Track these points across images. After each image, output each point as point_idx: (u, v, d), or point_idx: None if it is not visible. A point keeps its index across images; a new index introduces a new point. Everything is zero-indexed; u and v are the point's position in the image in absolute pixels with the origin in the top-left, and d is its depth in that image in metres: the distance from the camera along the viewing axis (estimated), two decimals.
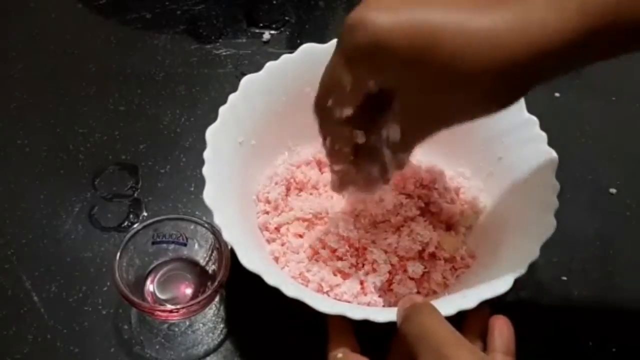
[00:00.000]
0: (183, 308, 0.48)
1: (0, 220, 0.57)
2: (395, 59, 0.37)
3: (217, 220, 0.45)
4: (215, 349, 0.51)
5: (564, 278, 0.55)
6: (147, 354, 0.51)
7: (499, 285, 0.43)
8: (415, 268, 0.49)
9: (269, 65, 0.54)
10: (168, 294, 0.51)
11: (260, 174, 0.55)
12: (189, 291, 0.51)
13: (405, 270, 0.49)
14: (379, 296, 0.49)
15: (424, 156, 0.55)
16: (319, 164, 0.56)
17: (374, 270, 0.49)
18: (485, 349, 0.43)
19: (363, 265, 0.50)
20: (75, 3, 0.72)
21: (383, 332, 0.43)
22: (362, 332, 0.44)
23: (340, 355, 0.42)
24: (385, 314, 0.42)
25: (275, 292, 0.44)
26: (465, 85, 0.37)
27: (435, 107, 0.39)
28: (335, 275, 0.49)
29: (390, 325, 0.42)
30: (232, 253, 0.46)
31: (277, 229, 0.52)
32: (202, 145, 0.50)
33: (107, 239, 0.56)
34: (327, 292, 0.48)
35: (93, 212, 0.58)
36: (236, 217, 0.48)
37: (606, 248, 0.56)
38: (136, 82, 0.66)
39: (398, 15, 0.36)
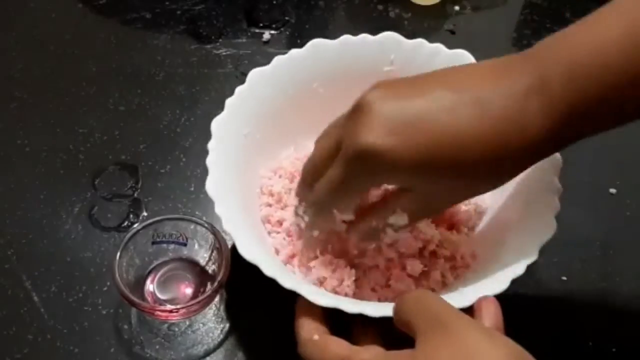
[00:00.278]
0: (183, 308, 0.48)
1: (0, 220, 0.57)
2: (404, 171, 0.40)
3: (218, 210, 0.45)
4: (215, 349, 0.51)
5: (564, 278, 0.55)
6: (147, 354, 0.51)
7: (496, 285, 0.43)
8: (415, 266, 0.49)
9: (277, 59, 0.54)
10: (168, 294, 0.51)
11: (265, 167, 0.55)
12: (189, 291, 0.51)
13: (404, 268, 0.49)
14: (375, 291, 0.49)
15: None
16: None
17: (373, 266, 0.49)
18: None
19: (361, 260, 0.50)
20: (75, 3, 0.72)
21: (351, 318, 0.43)
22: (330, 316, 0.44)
23: (316, 337, 0.42)
24: (380, 309, 0.42)
25: (275, 292, 0.44)
26: (469, 174, 0.41)
27: (442, 193, 0.43)
28: (333, 270, 0.49)
29: (384, 319, 0.42)
30: (233, 253, 0.46)
31: (280, 222, 0.52)
32: (203, 145, 0.49)
33: (107, 239, 0.56)
34: (324, 285, 0.48)
35: (93, 212, 0.58)
36: (238, 207, 0.48)
37: (606, 248, 0.56)
38: (136, 82, 0.66)
39: (403, 136, 0.39)
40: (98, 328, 0.51)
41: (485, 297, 0.41)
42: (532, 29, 0.72)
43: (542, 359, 0.45)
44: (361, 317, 0.42)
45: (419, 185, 0.42)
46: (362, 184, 0.43)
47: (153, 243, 0.51)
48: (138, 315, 0.52)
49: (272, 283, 0.43)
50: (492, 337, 0.35)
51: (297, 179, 0.54)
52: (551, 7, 0.73)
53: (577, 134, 0.41)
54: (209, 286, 0.49)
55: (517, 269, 0.44)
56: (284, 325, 0.44)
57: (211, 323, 0.52)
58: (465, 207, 0.53)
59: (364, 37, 0.55)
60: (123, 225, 0.57)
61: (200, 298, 0.48)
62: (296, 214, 0.49)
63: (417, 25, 0.71)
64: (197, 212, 0.57)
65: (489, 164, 0.40)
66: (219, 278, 0.48)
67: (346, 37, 0.55)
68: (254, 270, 0.44)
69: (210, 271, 0.51)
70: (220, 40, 0.70)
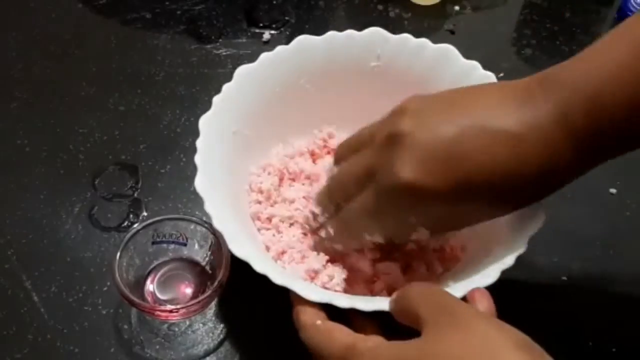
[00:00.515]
0: (183, 308, 0.48)
1: (0, 220, 0.57)
2: (439, 205, 0.41)
3: (208, 208, 0.46)
4: (215, 349, 0.51)
5: (564, 278, 0.55)
6: (147, 354, 0.51)
7: (485, 277, 0.44)
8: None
9: (264, 56, 0.54)
10: (168, 294, 0.51)
11: (254, 164, 0.55)
12: (189, 291, 0.51)
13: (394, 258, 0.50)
14: (366, 286, 0.49)
15: None
16: (313, 155, 0.56)
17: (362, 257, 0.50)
18: None
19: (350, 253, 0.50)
20: (75, 3, 0.72)
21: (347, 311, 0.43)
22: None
23: (319, 322, 0.42)
24: (372, 303, 0.43)
25: (275, 292, 0.44)
26: (499, 204, 0.43)
27: (469, 216, 0.44)
28: (324, 264, 0.49)
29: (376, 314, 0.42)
30: (232, 253, 0.46)
31: (269, 219, 0.53)
32: None
33: (107, 239, 0.56)
34: (315, 280, 0.48)
35: (93, 212, 0.58)
36: (227, 205, 0.48)
37: (606, 248, 0.56)
38: (136, 82, 0.66)
39: (439, 172, 0.40)
40: (98, 328, 0.51)
41: (477, 288, 0.42)
42: (532, 29, 0.72)
43: None
44: (357, 311, 0.43)
45: (449, 212, 0.43)
46: (396, 214, 0.43)
47: (153, 243, 0.51)
48: (138, 315, 0.52)
49: (272, 283, 0.43)
50: (500, 326, 0.36)
51: (286, 176, 0.55)
52: (551, 7, 0.73)
53: (602, 159, 0.42)
54: (209, 286, 0.49)
55: (507, 260, 0.44)
56: (284, 325, 0.44)
57: (211, 323, 0.52)
58: None
59: (350, 32, 0.55)
60: (123, 225, 0.57)
61: (200, 298, 0.48)
62: (314, 217, 0.49)
63: (417, 25, 0.71)
64: (197, 212, 0.57)
65: (521, 195, 0.42)
66: (219, 278, 0.48)
67: (332, 34, 0.55)
68: (253, 270, 0.44)
69: (210, 271, 0.51)
70: (220, 40, 0.70)
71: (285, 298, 0.44)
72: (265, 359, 0.51)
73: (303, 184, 0.54)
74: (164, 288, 0.52)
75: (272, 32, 0.70)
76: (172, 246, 0.52)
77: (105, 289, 0.53)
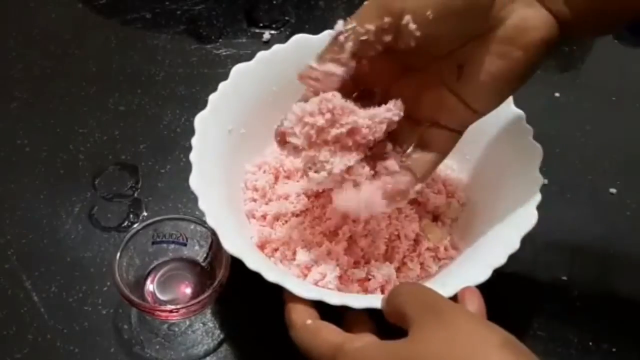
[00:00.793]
0: (183, 308, 0.48)
1: (0, 220, 0.57)
2: None
3: (202, 205, 0.46)
4: (215, 349, 0.51)
5: (564, 278, 0.55)
6: (147, 354, 0.51)
7: (478, 275, 0.44)
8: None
9: (260, 54, 0.54)
10: (168, 294, 0.51)
11: (249, 162, 0.55)
12: (189, 291, 0.51)
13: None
14: (358, 284, 0.49)
15: None
16: None
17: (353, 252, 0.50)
18: None
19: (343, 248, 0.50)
20: (75, 3, 0.72)
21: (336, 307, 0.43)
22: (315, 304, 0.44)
23: (309, 321, 0.42)
24: (363, 301, 0.43)
25: (275, 292, 0.44)
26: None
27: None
28: (316, 261, 0.49)
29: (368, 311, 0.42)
30: None
31: (264, 216, 0.53)
32: None
33: (107, 239, 0.56)
34: (307, 277, 0.49)
35: (93, 212, 0.58)
36: (222, 203, 0.49)
37: (606, 248, 0.56)
38: (136, 82, 0.66)
39: None
40: (98, 328, 0.51)
41: (468, 287, 0.42)
42: None
43: (542, 359, 0.45)
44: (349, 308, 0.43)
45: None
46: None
47: (153, 243, 0.51)
48: (138, 315, 0.52)
49: (267, 281, 0.43)
50: (487, 325, 0.36)
51: (282, 174, 0.55)
52: None
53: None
54: (209, 286, 0.49)
55: (499, 259, 0.45)
56: (283, 325, 0.44)
57: (211, 323, 0.52)
58: (448, 198, 0.54)
59: None
60: (123, 225, 0.57)
61: (200, 298, 0.48)
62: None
63: None
64: (197, 212, 0.56)
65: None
66: (219, 278, 0.48)
67: (329, 32, 0.54)
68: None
69: (210, 271, 0.51)
70: (220, 40, 0.70)
71: (280, 296, 0.44)
72: (265, 358, 0.51)
73: (298, 182, 0.55)
74: (164, 288, 0.52)
75: (272, 32, 0.70)
76: (172, 246, 0.52)
77: (105, 289, 0.53)
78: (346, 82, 0.43)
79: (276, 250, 0.51)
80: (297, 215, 0.53)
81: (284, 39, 0.55)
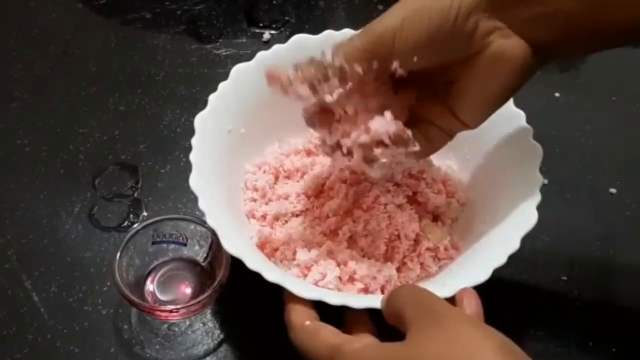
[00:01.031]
0: (183, 308, 0.48)
1: (0, 220, 0.57)
2: None
3: (202, 205, 0.46)
4: (215, 349, 0.51)
5: (564, 278, 0.55)
6: (147, 354, 0.51)
7: (478, 275, 0.44)
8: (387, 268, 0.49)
9: (261, 54, 0.54)
10: (168, 294, 0.51)
11: (249, 162, 0.55)
12: (189, 291, 0.51)
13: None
14: (357, 283, 0.49)
15: None
16: (308, 153, 0.56)
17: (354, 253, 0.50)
18: None
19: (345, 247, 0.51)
20: (75, 3, 0.72)
21: (336, 308, 0.43)
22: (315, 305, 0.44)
23: (308, 322, 0.42)
24: (363, 301, 0.43)
25: (275, 292, 0.44)
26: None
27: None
28: (316, 261, 0.49)
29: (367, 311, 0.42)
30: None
31: (264, 216, 0.53)
32: None
33: (107, 239, 0.56)
34: (307, 277, 0.49)
35: (93, 212, 0.58)
36: (222, 203, 0.49)
37: (606, 248, 0.56)
38: (136, 82, 0.66)
39: None
40: (98, 328, 0.51)
41: (466, 289, 0.42)
42: None
43: (543, 359, 0.45)
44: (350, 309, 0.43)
45: None
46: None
47: (153, 243, 0.51)
48: (138, 315, 0.52)
49: (267, 281, 0.43)
50: (483, 329, 0.36)
51: (282, 174, 0.55)
52: None
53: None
54: (209, 286, 0.49)
55: (499, 258, 0.45)
56: (283, 325, 0.44)
57: (211, 323, 0.52)
58: (448, 198, 0.54)
59: (347, 32, 0.55)
60: (123, 225, 0.57)
61: (200, 298, 0.48)
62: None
63: None
64: (197, 212, 0.56)
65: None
66: (218, 278, 0.48)
67: (329, 32, 0.55)
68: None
69: (210, 271, 0.51)
70: (220, 40, 0.70)
71: (280, 296, 0.44)
72: (265, 358, 0.51)
73: (298, 182, 0.55)
74: (164, 288, 0.52)
75: (272, 32, 0.70)
76: (172, 246, 0.52)
77: (105, 289, 0.53)
78: None
79: (276, 250, 0.51)
80: (297, 215, 0.53)
81: (284, 39, 0.55)
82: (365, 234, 0.51)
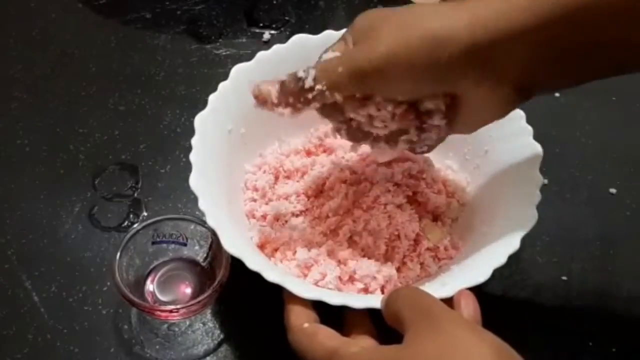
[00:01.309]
0: (183, 308, 0.48)
1: (0, 220, 0.57)
2: None
3: (202, 205, 0.46)
4: (215, 349, 0.51)
5: (564, 278, 0.55)
6: (147, 354, 0.51)
7: (478, 275, 0.44)
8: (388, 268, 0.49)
9: (260, 54, 0.54)
10: (168, 294, 0.51)
11: (249, 162, 0.55)
12: (189, 291, 0.51)
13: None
14: (357, 283, 0.49)
15: None
16: (308, 153, 0.57)
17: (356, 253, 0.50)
18: None
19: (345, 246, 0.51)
20: (75, 3, 0.72)
21: (337, 309, 0.43)
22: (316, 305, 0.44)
23: (306, 324, 0.42)
24: (363, 301, 0.43)
25: (275, 292, 0.44)
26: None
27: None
28: (316, 261, 0.49)
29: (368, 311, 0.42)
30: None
31: (264, 216, 0.53)
32: None
33: (107, 239, 0.56)
34: (307, 277, 0.49)
35: (93, 212, 0.58)
36: (222, 203, 0.49)
37: (606, 248, 0.56)
38: (136, 82, 0.66)
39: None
40: (98, 328, 0.51)
41: (463, 291, 0.42)
42: None
43: (543, 359, 0.45)
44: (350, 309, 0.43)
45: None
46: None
47: (153, 243, 0.51)
48: (138, 315, 0.52)
49: (267, 281, 0.43)
50: (480, 333, 0.36)
51: (282, 174, 0.55)
52: None
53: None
54: (209, 286, 0.49)
55: (499, 258, 0.45)
56: (283, 325, 0.44)
57: (211, 323, 0.52)
58: (448, 198, 0.54)
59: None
60: (123, 225, 0.57)
61: (200, 298, 0.48)
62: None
63: None
64: (197, 212, 0.56)
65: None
66: (218, 278, 0.48)
67: (329, 32, 0.55)
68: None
69: (210, 271, 0.51)
70: (220, 40, 0.70)
71: (280, 296, 0.44)
72: (265, 358, 0.51)
73: (298, 182, 0.55)
74: (164, 288, 0.52)
75: (272, 32, 0.70)
76: (172, 246, 0.52)
77: (105, 289, 0.53)
78: None
79: (276, 250, 0.51)
80: (297, 215, 0.53)
81: (284, 39, 0.55)
82: (365, 234, 0.51)
